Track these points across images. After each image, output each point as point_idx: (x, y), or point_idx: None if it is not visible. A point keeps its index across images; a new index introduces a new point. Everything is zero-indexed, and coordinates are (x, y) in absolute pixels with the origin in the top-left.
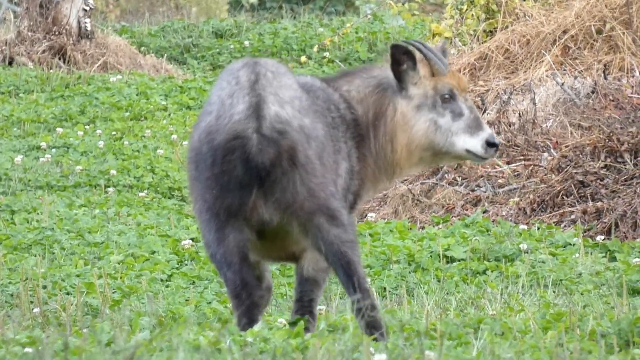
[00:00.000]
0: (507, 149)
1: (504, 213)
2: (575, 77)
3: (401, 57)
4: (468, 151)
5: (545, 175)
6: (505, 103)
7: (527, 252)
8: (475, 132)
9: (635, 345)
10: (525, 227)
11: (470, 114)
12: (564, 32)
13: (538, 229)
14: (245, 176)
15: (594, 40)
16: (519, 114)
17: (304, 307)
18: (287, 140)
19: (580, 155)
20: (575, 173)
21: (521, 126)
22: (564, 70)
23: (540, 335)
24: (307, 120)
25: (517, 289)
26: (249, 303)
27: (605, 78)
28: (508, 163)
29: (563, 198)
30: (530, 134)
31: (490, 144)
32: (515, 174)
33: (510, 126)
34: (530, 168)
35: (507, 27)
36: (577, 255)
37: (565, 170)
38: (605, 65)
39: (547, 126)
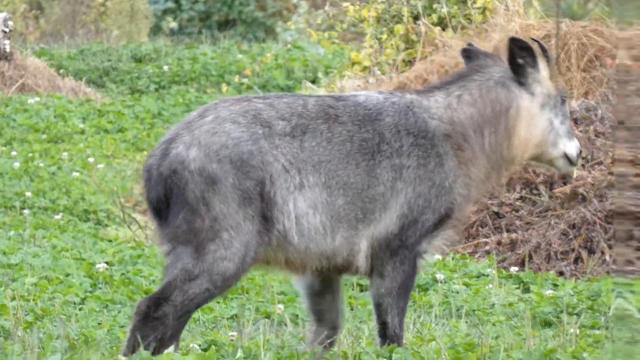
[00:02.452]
0: None
1: None
2: None
3: (519, 52)
4: (565, 155)
5: None
6: None
7: (441, 282)
8: (571, 137)
9: None
10: (439, 257)
11: (568, 119)
12: None
13: (452, 259)
14: (149, 208)
15: None
16: None
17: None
18: (175, 180)
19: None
20: (491, 204)
21: None
22: None
23: None
24: (217, 166)
25: (430, 318)
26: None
27: None
28: None
29: (478, 229)
30: None
31: (579, 152)
32: None
33: None
34: None
35: (426, 57)
36: (490, 286)
37: (481, 201)
38: None
39: None
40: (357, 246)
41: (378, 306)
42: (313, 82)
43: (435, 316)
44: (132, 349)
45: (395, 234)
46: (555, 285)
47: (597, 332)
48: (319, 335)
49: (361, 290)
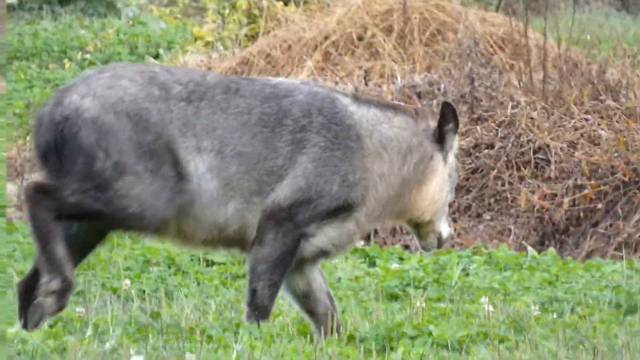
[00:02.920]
0: None
1: None
2: (337, 83)
3: (450, 119)
4: (441, 235)
5: None
6: None
7: None
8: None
9: (392, 349)
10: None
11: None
12: (326, 38)
13: None
14: (37, 156)
15: (355, 47)
16: None
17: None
18: (67, 126)
19: None
20: None
21: None
22: (325, 75)
23: (299, 339)
24: (114, 118)
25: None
26: None
27: (366, 84)
28: None
29: None
30: None
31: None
32: None
33: None
34: None
35: (269, 32)
36: (337, 260)
37: None
38: (366, 72)
39: None
40: (250, 220)
41: (251, 271)
42: (156, 57)
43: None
44: (41, 235)
45: (284, 207)
46: (401, 259)
47: (442, 305)
48: (322, 325)
49: (207, 265)
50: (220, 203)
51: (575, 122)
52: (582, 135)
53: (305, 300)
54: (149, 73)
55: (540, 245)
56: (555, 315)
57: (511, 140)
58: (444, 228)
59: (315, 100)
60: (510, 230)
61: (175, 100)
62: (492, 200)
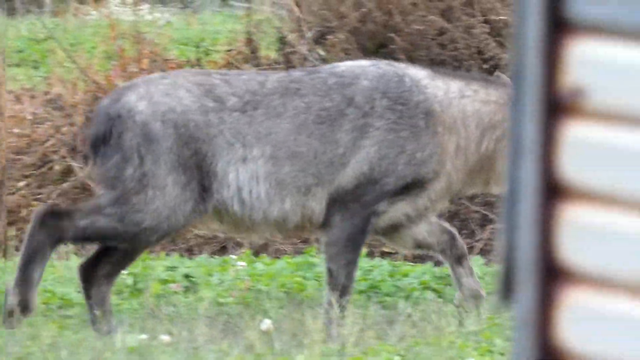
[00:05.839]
0: None
1: None
2: None
3: None
4: None
5: None
6: None
7: None
8: None
9: None
10: None
11: None
12: None
13: None
14: (88, 145)
15: None
16: None
17: None
18: (117, 124)
19: None
20: None
21: None
22: None
23: None
24: (160, 126)
25: None
26: None
27: None
28: None
29: None
30: None
31: None
32: None
33: None
34: None
35: None
36: None
37: None
38: None
39: None
40: (313, 208)
41: (325, 254)
42: None
43: None
44: (28, 255)
45: (348, 190)
46: None
47: None
48: (447, 255)
49: None
50: (273, 202)
51: None
52: None
53: (419, 247)
54: (207, 85)
55: None
56: None
57: None
58: None
59: (381, 82)
60: None
61: (228, 111)
62: None
